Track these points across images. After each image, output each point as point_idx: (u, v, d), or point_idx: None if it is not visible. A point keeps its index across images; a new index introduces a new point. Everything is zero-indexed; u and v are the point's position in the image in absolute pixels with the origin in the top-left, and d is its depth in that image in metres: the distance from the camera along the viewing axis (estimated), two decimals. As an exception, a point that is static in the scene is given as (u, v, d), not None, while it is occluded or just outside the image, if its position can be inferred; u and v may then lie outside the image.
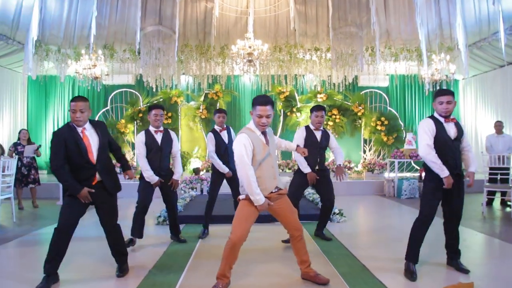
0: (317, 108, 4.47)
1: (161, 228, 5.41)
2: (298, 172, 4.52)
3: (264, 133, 3.01)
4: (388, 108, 11.27)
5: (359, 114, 10.80)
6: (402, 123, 11.14)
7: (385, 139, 10.65)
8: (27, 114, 11.26)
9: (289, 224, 3.14)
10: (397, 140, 10.74)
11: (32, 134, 11.19)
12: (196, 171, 9.73)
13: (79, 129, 3.10)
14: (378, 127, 10.66)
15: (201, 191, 8.46)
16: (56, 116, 11.26)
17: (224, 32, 8.20)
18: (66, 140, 3.03)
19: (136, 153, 4.32)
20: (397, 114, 11.16)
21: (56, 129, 11.30)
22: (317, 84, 10.47)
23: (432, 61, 7.67)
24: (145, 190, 4.38)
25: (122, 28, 7.82)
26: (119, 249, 3.46)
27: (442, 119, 3.39)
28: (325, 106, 4.61)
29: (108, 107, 11.00)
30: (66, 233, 3.12)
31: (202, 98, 10.84)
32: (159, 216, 5.69)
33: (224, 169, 4.76)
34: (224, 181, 4.92)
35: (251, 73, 9.05)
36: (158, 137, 4.32)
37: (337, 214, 5.81)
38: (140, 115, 10.51)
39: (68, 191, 3.14)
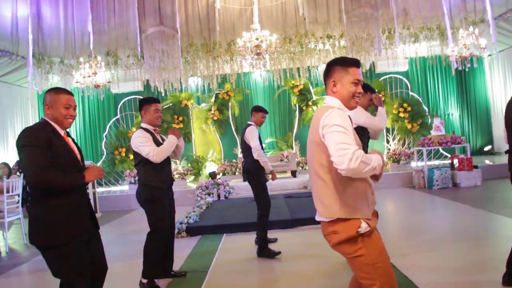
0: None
1: (177, 242, 5.02)
2: None
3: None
4: (410, 93, 10.57)
5: (379, 102, 10.14)
6: (426, 108, 10.43)
7: (409, 126, 9.98)
8: (39, 130, 11.10)
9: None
10: (422, 127, 10.05)
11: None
12: (213, 175, 9.35)
13: (62, 132, 2.25)
14: (401, 114, 10.00)
15: (218, 196, 8.06)
16: (69, 130, 11.05)
17: (229, 27, 7.75)
18: (52, 142, 2.12)
19: (146, 152, 3.24)
20: (420, 99, 10.45)
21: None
22: (332, 74, 9.87)
23: (459, 37, 6.98)
24: (164, 213, 3.39)
25: (123, 32, 7.47)
26: None
27: None
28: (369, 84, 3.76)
29: (118, 116, 10.74)
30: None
31: (213, 99, 10.44)
32: (174, 229, 5.29)
33: (269, 167, 4.17)
34: (240, 183, 4.44)
35: (261, 68, 8.57)
36: (158, 137, 3.48)
37: (367, 213, 5.28)
38: (151, 121, 10.18)
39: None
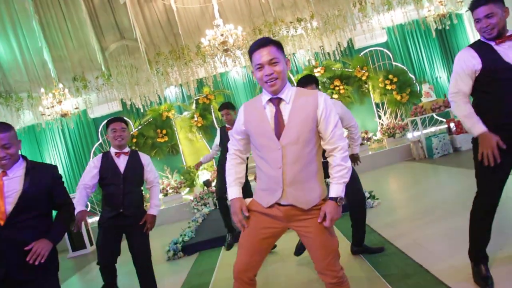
0: (303, 81, 3.21)
1: (174, 264, 4.68)
2: None
3: (274, 100, 1.88)
4: (394, 63, 10.24)
5: (363, 78, 9.82)
6: (412, 76, 10.11)
7: (398, 97, 9.66)
8: (24, 169, 10.71)
9: (316, 263, 1.95)
10: (412, 96, 9.73)
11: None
12: (207, 183, 9.00)
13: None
14: (388, 87, 9.67)
15: (215, 205, 7.71)
16: (54, 162, 10.68)
17: (194, 28, 7.37)
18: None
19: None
20: (405, 68, 10.12)
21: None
22: (310, 58, 9.54)
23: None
24: (103, 241, 3.15)
25: (85, 53, 7.09)
26: None
27: (491, 42, 2.26)
28: (315, 76, 3.44)
29: (100, 140, 10.35)
30: None
31: (193, 106, 10.07)
32: (169, 250, 4.94)
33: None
34: None
35: (236, 65, 8.20)
36: (121, 162, 3.13)
37: (368, 198, 4.96)
38: (134, 140, 9.81)
39: None
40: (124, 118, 3.41)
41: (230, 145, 2.09)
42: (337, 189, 1.85)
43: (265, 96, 1.89)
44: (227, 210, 4.50)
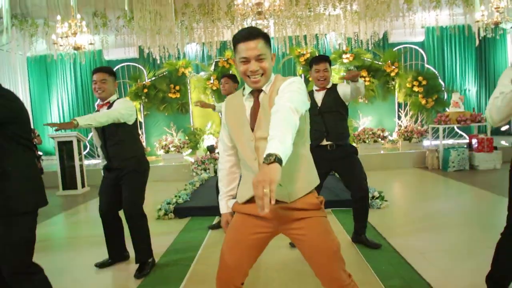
0: (316, 60, 3.16)
1: (163, 224, 4.49)
2: None
3: (255, 92, 1.70)
4: (426, 65, 9.74)
5: (392, 74, 9.36)
6: (442, 83, 9.63)
7: (423, 102, 9.23)
8: (30, 98, 10.50)
9: (319, 275, 1.70)
10: (437, 103, 9.29)
11: (37, 118, 10.56)
12: (211, 149, 8.71)
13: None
14: (415, 88, 9.22)
15: (215, 172, 7.51)
16: (60, 98, 10.45)
17: (229, -15, 6.92)
18: None
19: None
20: (436, 73, 9.63)
21: (61, 111, 10.82)
22: (341, 42, 9.06)
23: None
24: (100, 189, 3.20)
25: (111, -12, 6.70)
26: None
27: None
28: (328, 56, 3.14)
29: (111, 84, 10.05)
30: None
31: (212, 68, 9.69)
32: (160, 209, 4.75)
33: None
34: None
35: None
36: None
37: (377, 198, 4.70)
38: (145, 90, 9.51)
39: None
40: (109, 67, 3.13)
41: (220, 150, 1.89)
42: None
43: (247, 89, 1.73)
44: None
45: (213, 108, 4.19)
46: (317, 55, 9.48)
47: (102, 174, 3.20)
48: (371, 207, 4.49)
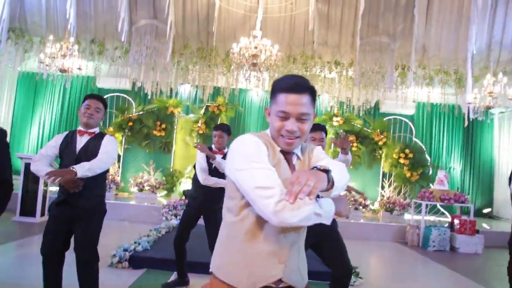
0: (314, 128, 2.91)
1: (114, 273, 4.03)
2: None
3: (285, 154, 1.43)
4: (414, 139, 9.81)
5: (380, 143, 9.36)
6: (428, 158, 9.65)
7: (408, 174, 9.15)
8: (12, 113, 10.16)
9: None
10: (422, 177, 9.23)
11: (15, 135, 10.14)
12: (186, 194, 8.39)
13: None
14: (401, 160, 9.18)
15: (186, 219, 7.07)
16: (43, 118, 10.13)
17: (229, 34, 6.97)
18: None
19: None
20: (423, 147, 9.68)
21: (41, 133, 10.41)
22: (334, 105, 9.13)
23: (484, 83, 6.23)
24: (46, 229, 2.78)
25: (111, 19, 6.68)
26: None
27: None
28: (325, 126, 2.95)
29: (97, 113, 9.81)
30: None
31: (202, 111, 9.59)
32: (114, 255, 4.29)
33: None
34: None
35: (258, 87, 7.75)
36: (81, 142, 2.77)
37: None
38: (130, 123, 9.27)
39: None
40: (105, 99, 2.95)
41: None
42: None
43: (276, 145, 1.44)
44: (182, 255, 3.66)
45: (213, 158, 3.58)
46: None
47: (48, 209, 2.87)
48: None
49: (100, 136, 2.82)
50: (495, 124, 10.36)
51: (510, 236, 3.19)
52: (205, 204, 3.65)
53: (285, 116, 1.35)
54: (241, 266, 1.34)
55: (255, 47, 5.41)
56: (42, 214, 6.71)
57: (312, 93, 1.40)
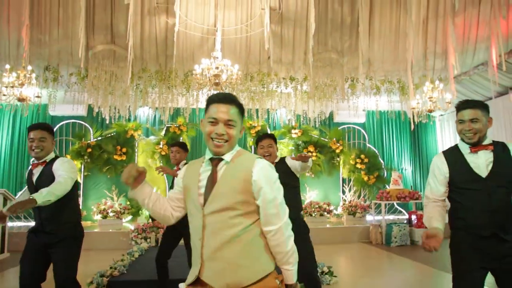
0: (260, 138, 3.26)
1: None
2: None
3: (214, 160, 1.66)
4: (367, 145, 10.48)
5: (337, 151, 9.89)
6: (382, 161, 10.33)
7: (365, 178, 9.73)
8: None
9: None
10: (378, 180, 9.84)
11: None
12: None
13: None
14: (358, 165, 9.76)
15: (156, 242, 7.00)
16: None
17: (188, 56, 7.15)
18: None
19: None
20: (376, 152, 10.37)
21: None
22: (291, 118, 9.55)
23: (425, 90, 6.93)
24: (23, 257, 2.79)
25: (67, 46, 6.60)
26: None
27: (466, 148, 2.23)
28: (273, 134, 3.28)
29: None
30: None
31: (163, 133, 9.59)
32: (91, 283, 4.22)
33: None
34: None
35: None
36: (36, 172, 2.80)
37: (326, 273, 4.60)
38: (89, 150, 9.05)
39: None
40: (48, 124, 2.94)
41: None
42: (285, 276, 1.65)
43: (207, 155, 1.69)
44: (165, 275, 3.76)
45: (176, 175, 3.82)
46: (266, 129, 9.88)
47: (27, 238, 2.81)
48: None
49: (53, 161, 2.79)
50: (437, 125, 11.35)
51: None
52: (182, 221, 3.74)
53: (214, 122, 1.61)
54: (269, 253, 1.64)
55: (217, 67, 5.65)
56: (2, 251, 6.36)
57: (238, 106, 1.67)
